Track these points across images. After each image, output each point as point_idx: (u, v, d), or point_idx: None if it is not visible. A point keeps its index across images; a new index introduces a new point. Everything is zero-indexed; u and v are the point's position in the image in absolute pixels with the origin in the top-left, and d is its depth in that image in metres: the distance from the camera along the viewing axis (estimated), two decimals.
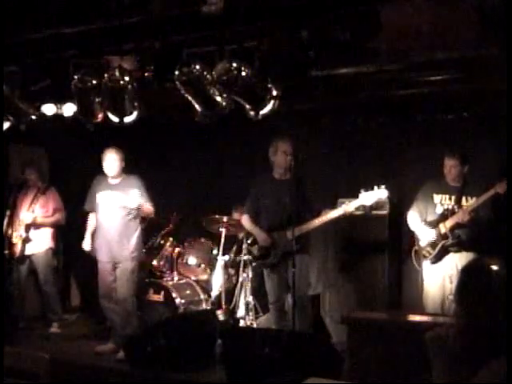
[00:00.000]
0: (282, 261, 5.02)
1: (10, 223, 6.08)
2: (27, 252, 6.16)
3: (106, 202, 5.46)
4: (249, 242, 5.56)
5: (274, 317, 5.22)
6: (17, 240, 6.06)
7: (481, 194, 4.83)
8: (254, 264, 5.69)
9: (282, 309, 5.12)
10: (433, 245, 5.02)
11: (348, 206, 4.87)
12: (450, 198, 5.03)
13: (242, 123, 5.16)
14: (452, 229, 4.93)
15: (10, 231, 6.06)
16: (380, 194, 4.81)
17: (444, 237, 4.96)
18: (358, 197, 4.83)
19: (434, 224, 5.04)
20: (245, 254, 5.85)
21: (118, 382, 4.84)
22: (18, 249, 6.07)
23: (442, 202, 5.06)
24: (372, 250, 5.69)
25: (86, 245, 5.68)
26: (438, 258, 5.01)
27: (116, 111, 4.81)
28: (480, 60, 4.14)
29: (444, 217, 4.99)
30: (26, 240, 6.11)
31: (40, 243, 6.22)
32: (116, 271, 5.45)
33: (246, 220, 5.32)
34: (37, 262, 6.24)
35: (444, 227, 4.95)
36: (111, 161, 5.45)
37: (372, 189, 4.80)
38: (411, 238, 5.25)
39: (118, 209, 5.40)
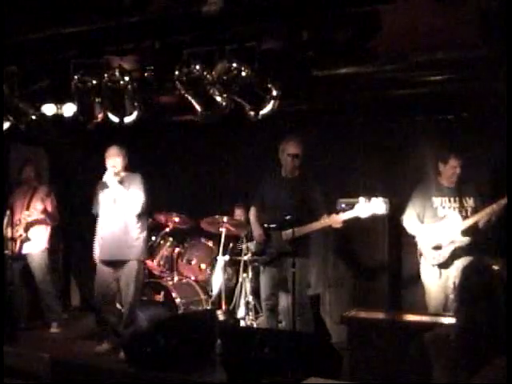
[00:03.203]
0: (277, 261, 5.02)
1: (10, 223, 6.09)
2: (24, 251, 6.13)
3: (108, 199, 5.33)
4: (245, 236, 5.61)
5: (264, 316, 5.26)
6: (16, 239, 6.06)
7: (476, 193, 4.93)
8: (250, 259, 5.68)
9: (273, 309, 5.11)
10: (438, 249, 4.94)
11: (342, 216, 4.80)
12: (450, 200, 5.01)
13: (241, 123, 5.16)
14: (462, 234, 4.87)
15: (9, 231, 6.07)
16: (378, 208, 4.69)
17: (451, 242, 4.90)
18: (357, 198, 4.78)
19: (439, 228, 4.95)
20: (245, 254, 5.85)
21: (118, 382, 4.83)
22: (15, 247, 6.06)
23: (443, 204, 5.02)
24: (372, 250, 5.69)
25: (97, 251, 5.45)
26: (444, 263, 4.94)
27: (116, 111, 4.82)
28: (480, 60, 4.14)
29: (447, 222, 4.92)
30: (25, 239, 6.10)
31: (36, 243, 6.18)
32: (120, 271, 5.29)
33: (251, 212, 5.33)
34: (32, 262, 6.19)
35: (451, 233, 4.88)
36: (114, 158, 5.30)
37: (370, 199, 4.69)
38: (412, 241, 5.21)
39: (120, 206, 5.27)
